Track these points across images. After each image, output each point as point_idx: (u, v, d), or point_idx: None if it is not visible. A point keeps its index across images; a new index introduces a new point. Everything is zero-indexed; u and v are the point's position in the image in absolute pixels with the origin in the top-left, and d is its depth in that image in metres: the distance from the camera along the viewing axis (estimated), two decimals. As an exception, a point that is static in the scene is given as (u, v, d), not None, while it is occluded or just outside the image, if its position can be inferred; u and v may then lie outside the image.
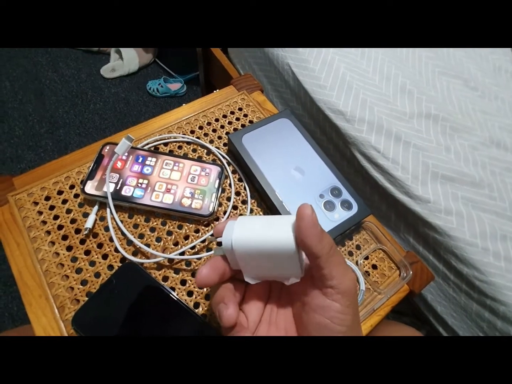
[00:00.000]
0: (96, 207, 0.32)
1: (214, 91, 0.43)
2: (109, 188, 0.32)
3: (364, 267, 0.34)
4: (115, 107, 1.26)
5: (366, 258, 0.34)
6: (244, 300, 0.22)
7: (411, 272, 0.33)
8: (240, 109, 0.42)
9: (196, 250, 0.32)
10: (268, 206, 0.35)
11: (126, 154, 0.34)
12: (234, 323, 0.20)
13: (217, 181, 0.35)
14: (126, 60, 1.31)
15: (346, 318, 0.18)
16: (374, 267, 0.34)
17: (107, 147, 0.35)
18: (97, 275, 0.30)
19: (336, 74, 0.58)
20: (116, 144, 0.34)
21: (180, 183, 0.34)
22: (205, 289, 0.30)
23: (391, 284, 0.33)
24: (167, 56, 1.42)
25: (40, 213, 0.32)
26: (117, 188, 0.32)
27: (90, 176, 0.32)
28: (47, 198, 0.33)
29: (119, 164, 0.34)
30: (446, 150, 0.53)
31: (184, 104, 0.42)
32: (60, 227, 0.31)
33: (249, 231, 0.20)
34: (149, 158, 0.35)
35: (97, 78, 1.32)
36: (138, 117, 1.25)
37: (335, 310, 0.18)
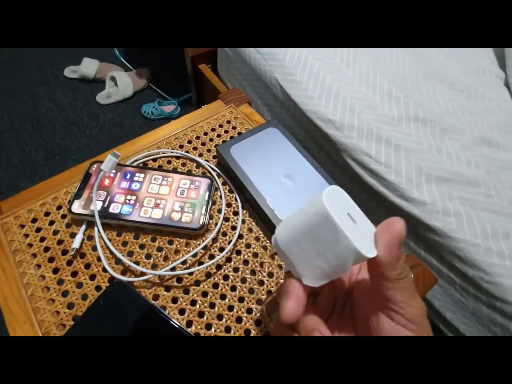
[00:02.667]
0: (83, 227, 0.31)
1: (202, 106, 0.44)
2: (96, 206, 0.31)
3: (363, 273, 0.32)
4: (110, 131, 1.28)
5: (364, 263, 0.33)
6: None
7: (412, 275, 0.31)
8: (228, 121, 0.42)
9: (188, 265, 0.31)
10: (260, 216, 0.34)
11: (114, 171, 0.34)
12: (292, 319, 0.17)
13: (207, 193, 0.34)
14: (121, 86, 1.34)
15: None
16: (373, 272, 0.33)
17: (95, 166, 0.34)
18: (84, 297, 0.28)
19: (323, 84, 0.59)
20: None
21: (169, 197, 0.33)
22: (197, 306, 0.29)
23: (392, 290, 0.31)
24: (160, 80, 1.46)
25: (27, 235, 0.31)
26: (105, 206, 0.32)
27: (77, 195, 0.32)
28: (34, 220, 0.32)
29: (106, 182, 0.33)
30: (438, 151, 0.53)
31: (172, 121, 0.42)
32: (46, 249, 0.30)
33: (288, 223, 0.18)
34: (137, 174, 0.34)
35: (93, 105, 1.35)
36: (134, 140, 1.26)
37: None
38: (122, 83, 1.35)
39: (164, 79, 1.46)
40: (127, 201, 0.32)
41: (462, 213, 0.48)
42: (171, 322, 0.27)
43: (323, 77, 0.59)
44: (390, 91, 0.59)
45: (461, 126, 0.57)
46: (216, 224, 0.33)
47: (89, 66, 1.39)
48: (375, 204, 0.57)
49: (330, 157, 0.59)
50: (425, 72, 0.64)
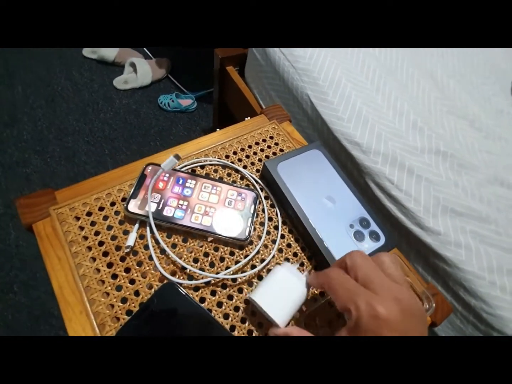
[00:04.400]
0: (136, 226, 0.33)
1: (246, 119, 0.46)
2: (151, 207, 0.33)
3: (389, 297, 0.35)
4: (125, 118, 1.27)
5: (391, 288, 0.36)
6: None
7: (434, 304, 0.34)
8: (271, 137, 0.44)
9: (231, 272, 0.33)
10: (300, 233, 0.36)
11: (167, 175, 0.36)
12: None
13: (253, 206, 0.36)
14: (140, 74, 1.34)
15: None
16: (399, 297, 0.35)
17: (149, 168, 0.36)
18: (137, 293, 0.30)
19: (354, 107, 0.61)
20: (158, 165, 0.36)
21: (218, 206, 0.35)
22: (240, 313, 0.31)
23: (414, 315, 0.34)
24: (179, 72, 1.46)
25: (82, 228, 0.33)
26: (159, 208, 0.33)
27: (133, 195, 0.34)
28: (89, 214, 0.33)
29: (160, 185, 0.35)
30: (455, 185, 0.57)
31: (218, 129, 0.44)
32: (101, 243, 0.32)
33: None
34: (189, 181, 0.36)
35: (109, 88, 1.34)
36: (148, 129, 1.27)
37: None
38: (141, 71, 1.35)
39: (183, 72, 1.47)
40: (180, 206, 0.34)
41: (472, 247, 0.51)
42: (219, 326, 0.29)
43: (354, 100, 0.62)
44: (415, 122, 0.62)
45: (477, 163, 0.60)
46: (259, 237, 0.35)
47: (109, 49, 1.38)
48: (389, 227, 0.60)
49: (352, 177, 0.62)
50: (448, 107, 0.68)
